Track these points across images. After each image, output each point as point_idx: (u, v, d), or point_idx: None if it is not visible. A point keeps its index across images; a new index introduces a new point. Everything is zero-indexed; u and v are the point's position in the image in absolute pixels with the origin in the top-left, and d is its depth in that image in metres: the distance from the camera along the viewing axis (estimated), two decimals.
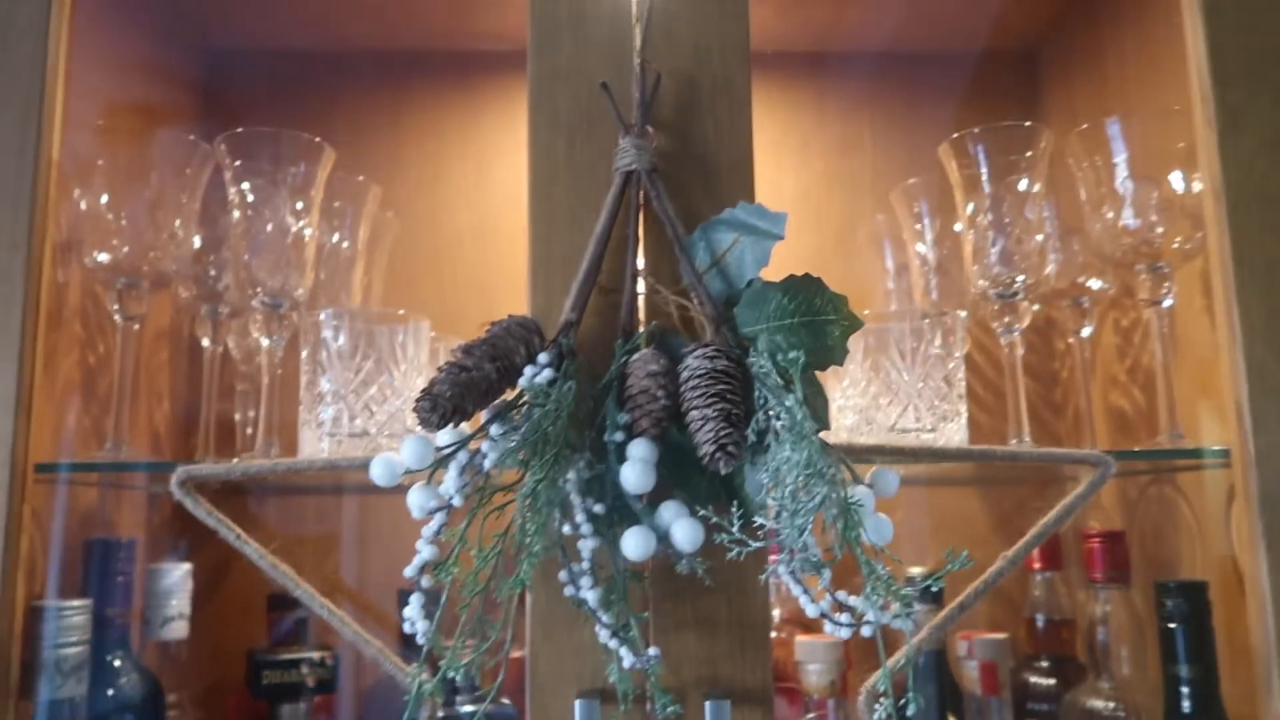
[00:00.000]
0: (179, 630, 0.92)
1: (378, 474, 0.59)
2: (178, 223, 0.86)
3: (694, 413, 0.59)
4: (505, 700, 0.91)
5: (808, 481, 0.55)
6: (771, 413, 0.58)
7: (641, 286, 0.68)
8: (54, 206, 0.73)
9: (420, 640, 0.59)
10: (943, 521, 1.13)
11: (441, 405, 0.59)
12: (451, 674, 0.59)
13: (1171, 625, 0.79)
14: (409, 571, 0.59)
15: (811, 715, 0.90)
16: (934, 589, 0.55)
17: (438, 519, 0.59)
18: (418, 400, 0.59)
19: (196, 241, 0.93)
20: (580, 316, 0.65)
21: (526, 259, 0.69)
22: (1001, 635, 0.91)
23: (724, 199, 0.68)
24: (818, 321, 0.61)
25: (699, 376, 0.59)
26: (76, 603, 0.75)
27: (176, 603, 0.92)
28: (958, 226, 0.96)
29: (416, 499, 0.60)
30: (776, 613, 1.02)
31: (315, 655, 0.87)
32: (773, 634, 1.00)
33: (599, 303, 0.66)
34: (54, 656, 0.73)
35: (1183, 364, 0.89)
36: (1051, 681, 1.01)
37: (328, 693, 0.87)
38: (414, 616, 0.59)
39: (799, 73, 1.21)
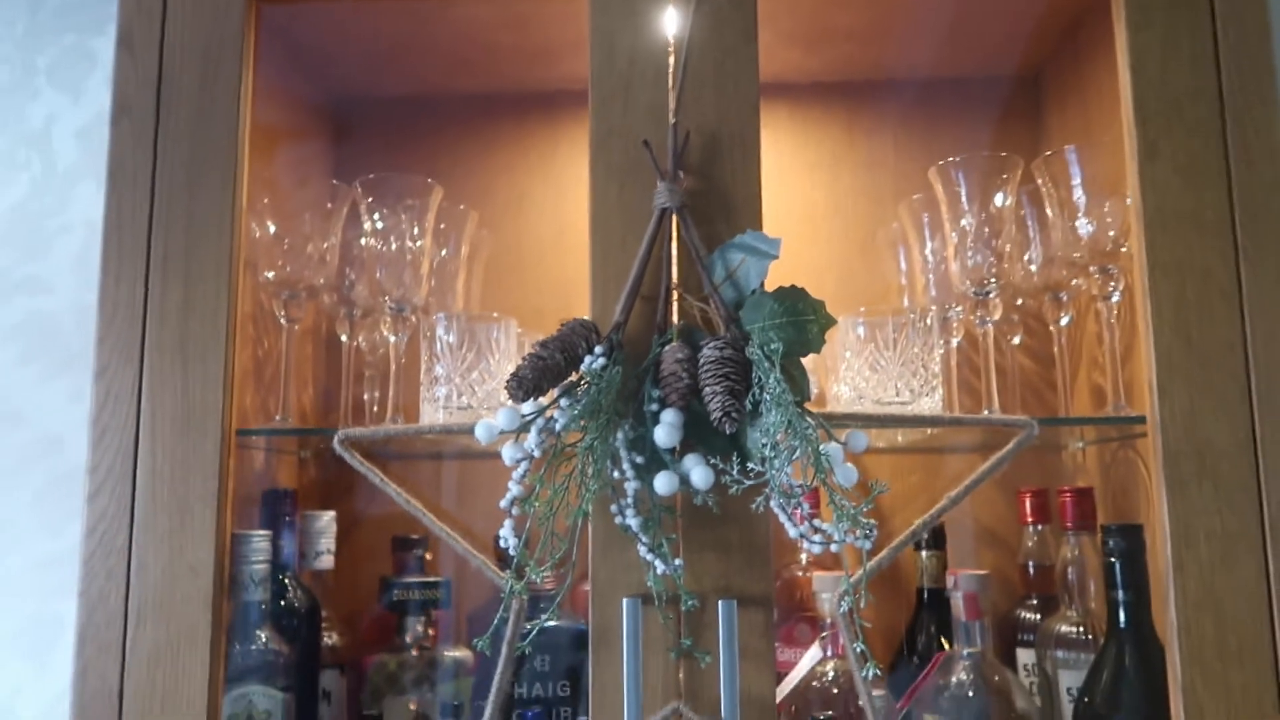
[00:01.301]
0: (327, 563, 1.18)
1: (480, 434, 0.83)
2: (325, 246, 1.11)
3: (706, 389, 0.81)
4: (580, 619, 1.15)
5: (786, 437, 0.77)
6: (765, 385, 0.79)
7: (673, 295, 0.90)
8: (244, 236, 0.98)
9: (511, 553, 0.82)
10: (950, 486, 1.32)
11: (525, 384, 0.82)
12: (534, 576, 0.82)
13: (1112, 560, 0.98)
14: (503, 504, 0.82)
15: (825, 634, 1.11)
16: (923, 536, 0.75)
17: (522, 466, 0.83)
18: (508, 381, 0.82)
19: (337, 260, 1.19)
20: (627, 318, 0.87)
21: (589, 274, 0.91)
22: (982, 571, 1.10)
23: (738, 227, 0.89)
24: (800, 320, 0.82)
25: (711, 362, 0.81)
26: (261, 533, 1.01)
27: (325, 541, 1.18)
28: (954, 237, 1.15)
29: (507, 452, 0.83)
30: (804, 557, 1.23)
31: (432, 579, 1.11)
32: (799, 573, 1.23)
33: (641, 308, 0.89)
34: (248, 571, 0.99)
35: (1138, 347, 1.06)
36: (1038, 616, 1.19)
37: (441, 608, 1.12)
38: (508, 535, 0.82)
39: (831, 100, 1.40)
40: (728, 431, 0.79)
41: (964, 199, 1.05)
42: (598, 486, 0.82)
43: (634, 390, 0.86)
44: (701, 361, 0.82)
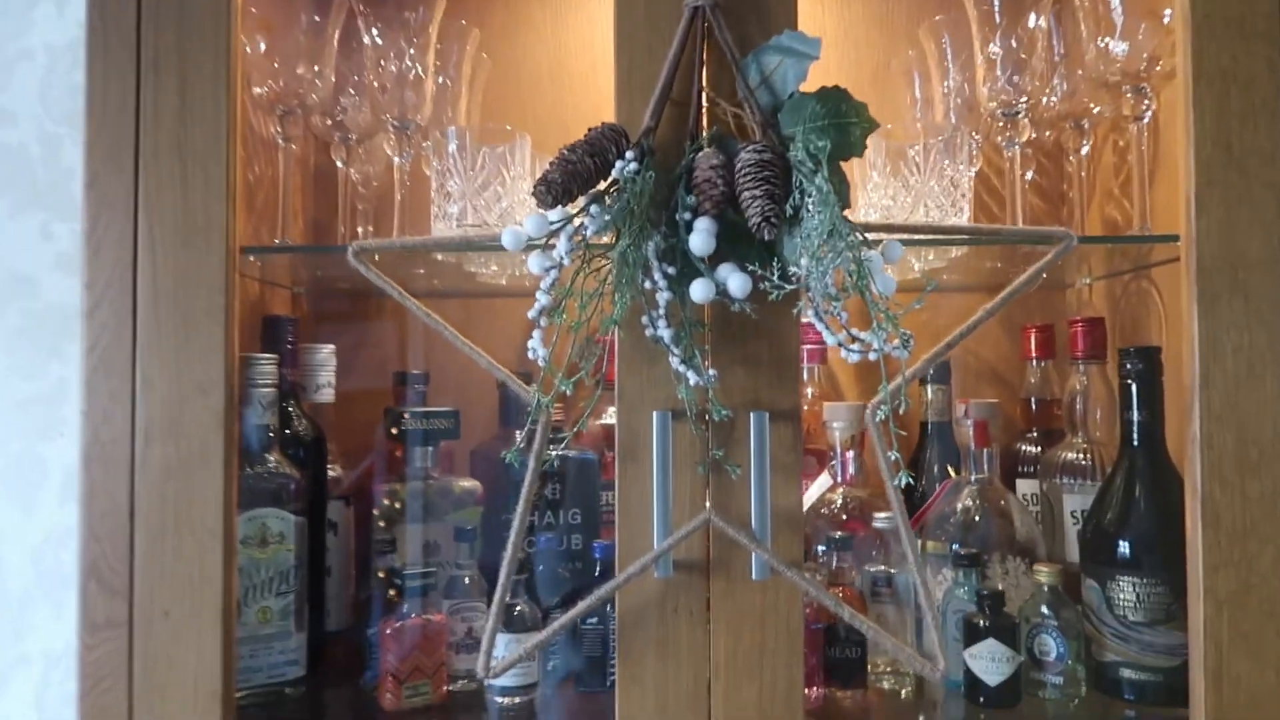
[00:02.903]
0: (327, 396, 1.16)
1: (509, 240, 0.79)
2: (319, 61, 1.05)
3: (745, 193, 0.78)
4: (589, 451, 1.14)
5: (830, 239, 0.74)
6: (805, 191, 0.76)
7: (705, 100, 0.85)
8: (239, 50, 0.91)
9: (540, 364, 0.80)
10: (954, 320, 1.32)
11: (554, 188, 0.78)
12: (564, 389, 0.80)
13: (1129, 382, 0.98)
14: (531, 314, 0.80)
15: (834, 462, 1.12)
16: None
17: (552, 275, 0.80)
18: (536, 184, 0.78)
19: (333, 78, 1.12)
20: (657, 124, 0.83)
21: (614, 79, 0.86)
22: (992, 400, 1.10)
23: (772, 29, 0.85)
24: (843, 123, 0.79)
25: (750, 166, 0.78)
26: (268, 355, 0.98)
27: (325, 374, 1.16)
28: (978, 59, 1.11)
29: (535, 261, 0.80)
30: (809, 391, 1.23)
31: (439, 408, 1.09)
32: (804, 408, 1.22)
33: (671, 113, 0.84)
34: (257, 394, 0.96)
35: (1164, 173, 1.05)
36: (1039, 449, 1.21)
37: (451, 438, 1.10)
38: (535, 345, 0.80)
39: None
40: (767, 237, 0.77)
41: (996, 16, 1.00)
42: (629, 296, 0.79)
43: (665, 198, 0.82)
44: (739, 166, 0.79)
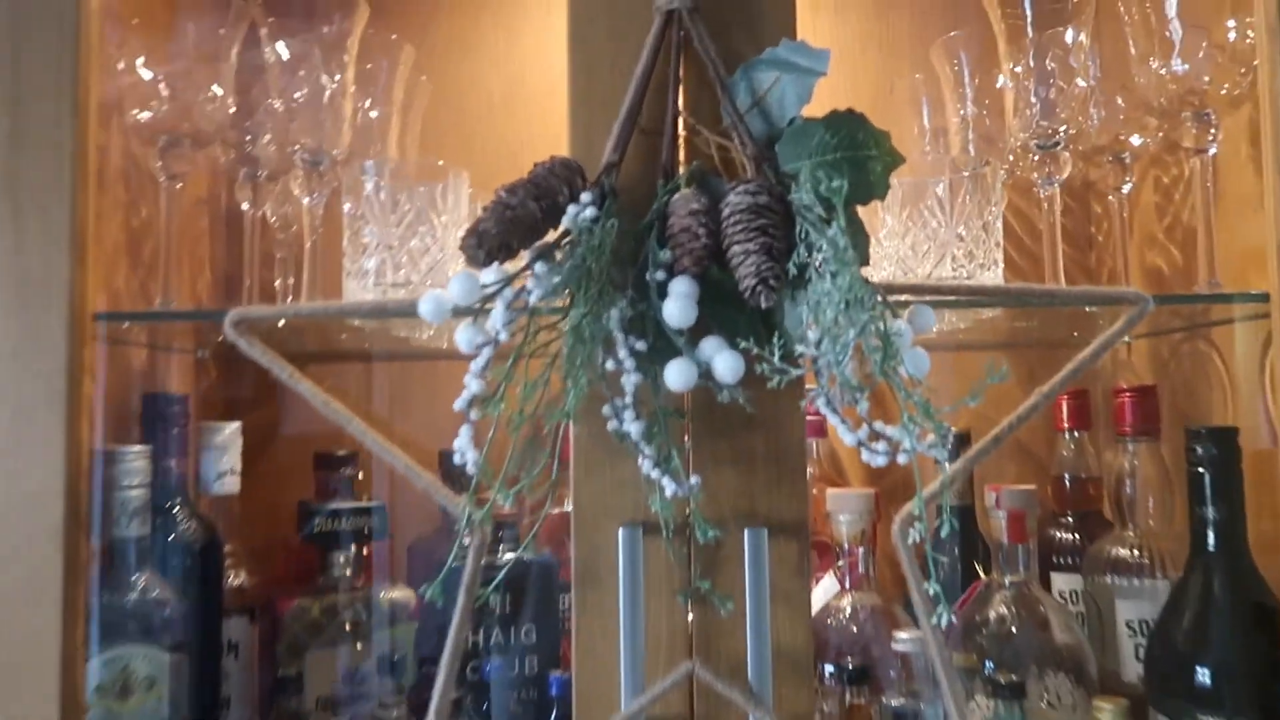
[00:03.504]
0: (231, 485, 0.96)
1: (427, 310, 0.61)
2: (215, 82, 0.86)
3: (736, 248, 0.60)
4: (545, 550, 0.95)
5: (848, 309, 0.56)
6: (813, 244, 0.58)
7: (681, 128, 0.68)
8: (96, 58, 0.73)
9: (470, 469, 0.61)
10: (955, 384, 1.15)
11: (487, 241, 0.60)
12: (501, 500, 0.61)
13: (1200, 470, 0.80)
14: (458, 405, 0.61)
15: (842, 563, 0.93)
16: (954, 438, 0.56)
17: (485, 354, 0.61)
18: (464, 237, 0.60)
19: (233, 105, 0.94)
20: (622, 158, 0.65)
21: (568, 103, 0.68)
22: (1029, 486, 0.92)
23: (765, 39, 0.67)
24: (860, 156, 0.61)
25: (741, 212, 0.60)
26: (137, 447, 0.78)
27: (228, 459, 0.96)
28: (1001, 80, 0.94)
29: (464, 335, 0.61)
30: (809, 470, 1.05)
31: (362, 504, 0.90)
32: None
33: (640, 144, 0.66)
34: (119, 498, 0.76)
35: (1222, 218, 0.88)
36: (1076, 536, 1.03)
37: (374, 540, 0.91)
38: (464, 447, 0.61)
39: None
40: (763, 305, 0.59)
41: (1029, 28, 0.84)
42: (586, 381, 0.61)
43: (632, 253, 0.64)
44: (727, 211, 0.61)
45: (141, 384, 0.94)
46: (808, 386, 0.63)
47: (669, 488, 0.62)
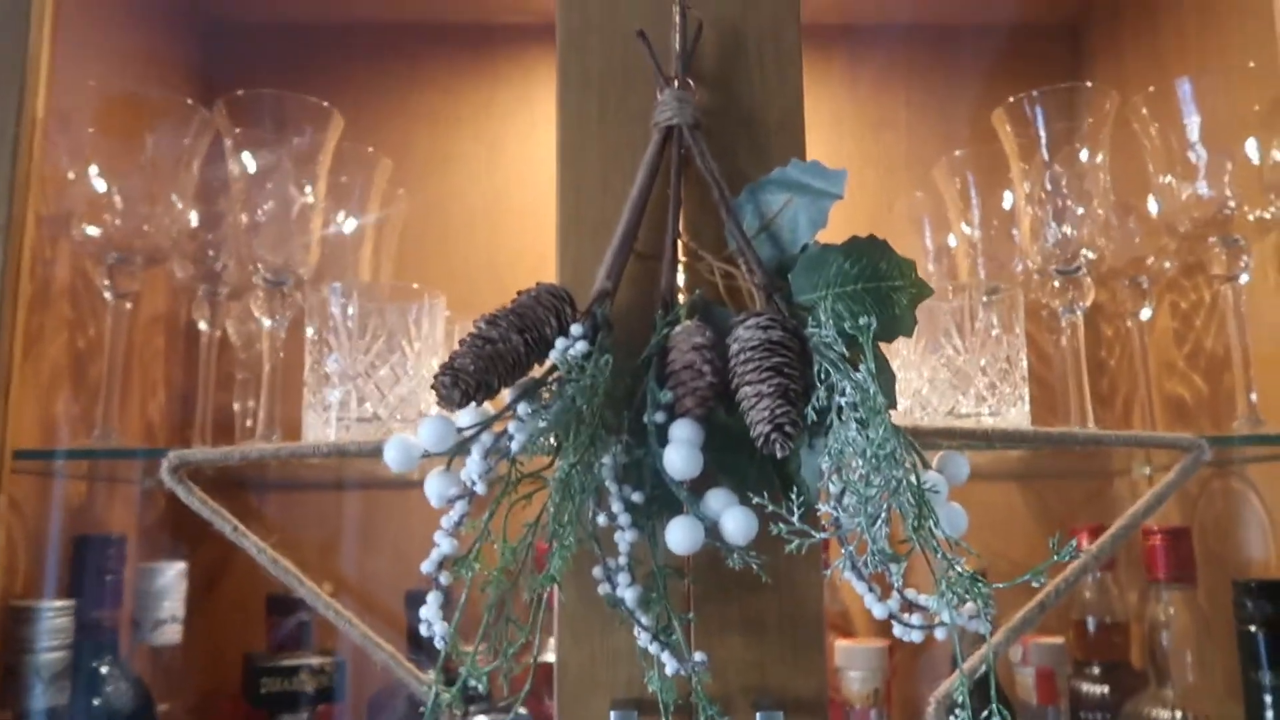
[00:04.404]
0: (172, 634, 0.86)
1: (392, 458, 0.53)
2: (174, 195, 0.80)
3: (746, 389, 0.53)
4: (523, 710, 0.85)
5: (880, 464, 0.49)
6: (834, 387, 0.51)
7: (682, 253, 0.61)
8: (38, 171, 0.66)
9: (438, 644, 0.52)
10: (984, 520, 1.07)
11: (464, 380, 0.52)
12: (473, 682, 0.52)
13: (1252, 628, 0.73)
14: (426, 567, 0.53)
15: None
16: (1035, 583, 0.49)
17: (459, 508, 0.53)
18: (437, 375, 0.53)
19: (195, 218, 0.88)
20: (616, 286, 0.58)
21: (555, 226, 0.62)
22: (1058, 639, 0.84)
23: (772, 159, 0.62)
24: (884, 288, 0.55)
25: (752, 349, 0.53)
26: (59, 604, 0.69)
27: (169, 605, 0.86)
28: (1007, 202, 0.90)
29: (435, 486, 0.53)
30: None
31: (316, 661, 0.80)
32: None
33: (635, 271, 0.60)
34: (33, 662, 0.66)
35: (1251, 346, 0.82)
36: (1104, 689, 0.94)
37: (330, 702, 0.81)
38: (431, 618, 0.52)
39: (831, 46, 1.15)
40: (778, 454, 0.51)
41: (1043, 147, 0.79)
42: (574, 540, 0.52)
43: (628, 392, 0.57)
44: (736, 348, 0.54)
45: (74, 523, 0.85)
46: (841, 564, 0.55)
47: (669, 664, 0.53)
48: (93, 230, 0.78)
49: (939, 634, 0.52)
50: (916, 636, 0.52)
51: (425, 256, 1.04)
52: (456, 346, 0.54)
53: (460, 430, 0.53)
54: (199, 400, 0.89)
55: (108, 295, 0.77)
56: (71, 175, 0.77)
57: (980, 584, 0.50)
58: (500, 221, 1.09)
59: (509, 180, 1.10)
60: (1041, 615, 0.58)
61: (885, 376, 0.55)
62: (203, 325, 0.89)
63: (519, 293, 0.57)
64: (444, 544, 0.53)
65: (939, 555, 0.51)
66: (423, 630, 0.53)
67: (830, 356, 0.52)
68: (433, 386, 0.53)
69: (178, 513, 1.00)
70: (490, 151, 1.11)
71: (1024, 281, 0.87)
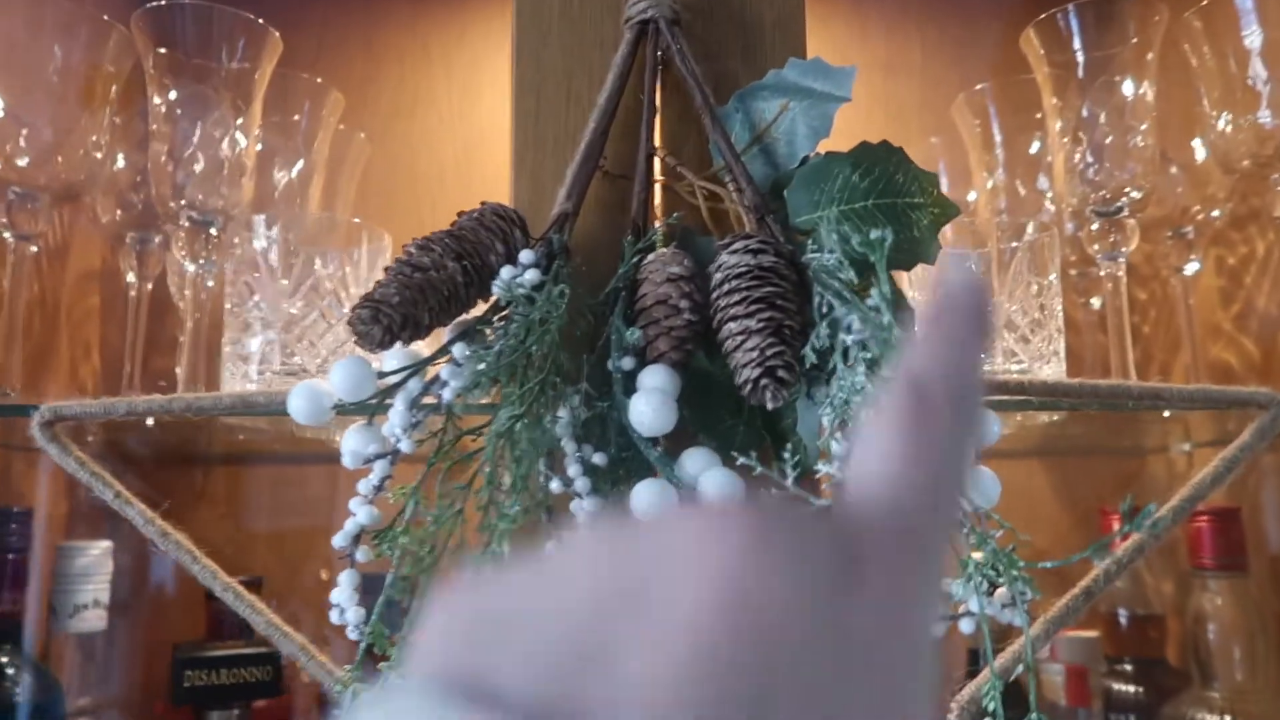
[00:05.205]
0: (95, 621, 0.77)
1: (297, 408, 0.43)
2: (87, 126, 0.70)
3: (731, 324, 0.43)
4: None
5: None
6: (839, 323, 0.42)
7: (658, 171, 0.52)
8: None
9: (352, 634, 0.43)
10: (1002, 502, 0.98)
11: (386, 314, 0.43)
12: (395, 679, 0.43)
13: None
14: (338, 540, 0.43)
15: None
16: (1096, 560, 0.39)
17: (379, 469, 0.43)
18: (354, 308, 0.43)
19: (120, 159, 0.78)
20: (578, 207, 0.49)
21: (510, 139, 0.52)
22: (1092, 633, 0.75)
23: (766, 64, 0.52)
24: (900, 205, 0.45)
25: (738, 276, 0.43)
26: None
27: (92, 588, 0.77)
28: (1035, 143, 0.80)
29: (351, 442, 0.44)
30: None
31: (250, 651, 0.71)
32: None
33: (603, 191, 0.50)
34: None
35: None
36: (1138, 689, 0.85)
37: (270, 696, 0.71)
38: (343, 601, 0.43)
39: None
40: (769, 404, 0.41)
41: (1080, 70, 0.69)
42: (521, 509, 0.43)
43: (590, 334, 0.47)
44: (719, 277, 0.44)
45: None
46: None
47: None
48: None
49: (964, 625, 0.42)
50: (937, 630, 0.42)
51: (389, 209, 0.95)
52: (386, 269, 0.45)
53: (381, 376, 0.44)
54: (125, 360, 0.79)
55: (7, 236, 0.68)
56: None
57: (1018, 565, 0.40)
58: (473, 170, 0.99)
59: (483, 127, 1.00)
60: (1087, 605, 0.48)
61: (903, 312, 0.45)
62: (130, 277, 0.80)
63: (459, 213, 0.47)
64: (360, 513, 0.43)
65: (965, 530, 0.42)
66: (333, 616, 0.43)
67: (833, 285, 0.42)
68: (348, 321, 0.43)
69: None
70: (463, 95, 1.01)
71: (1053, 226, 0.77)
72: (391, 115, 0.99)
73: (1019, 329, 0.60)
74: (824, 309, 0.43)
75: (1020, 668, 0.45)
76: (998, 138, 0.80)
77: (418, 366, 0.44)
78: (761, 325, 0.42)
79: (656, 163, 0.51)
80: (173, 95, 0.69)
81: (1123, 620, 0.87)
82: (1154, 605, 0.87)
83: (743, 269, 0.43)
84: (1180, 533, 0.86)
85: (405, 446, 0.43)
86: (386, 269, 0.45)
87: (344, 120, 0.82)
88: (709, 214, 0.50)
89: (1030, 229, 0.65)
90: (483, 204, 0.48)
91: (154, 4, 0.68)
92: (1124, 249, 0.67)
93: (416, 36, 1.02)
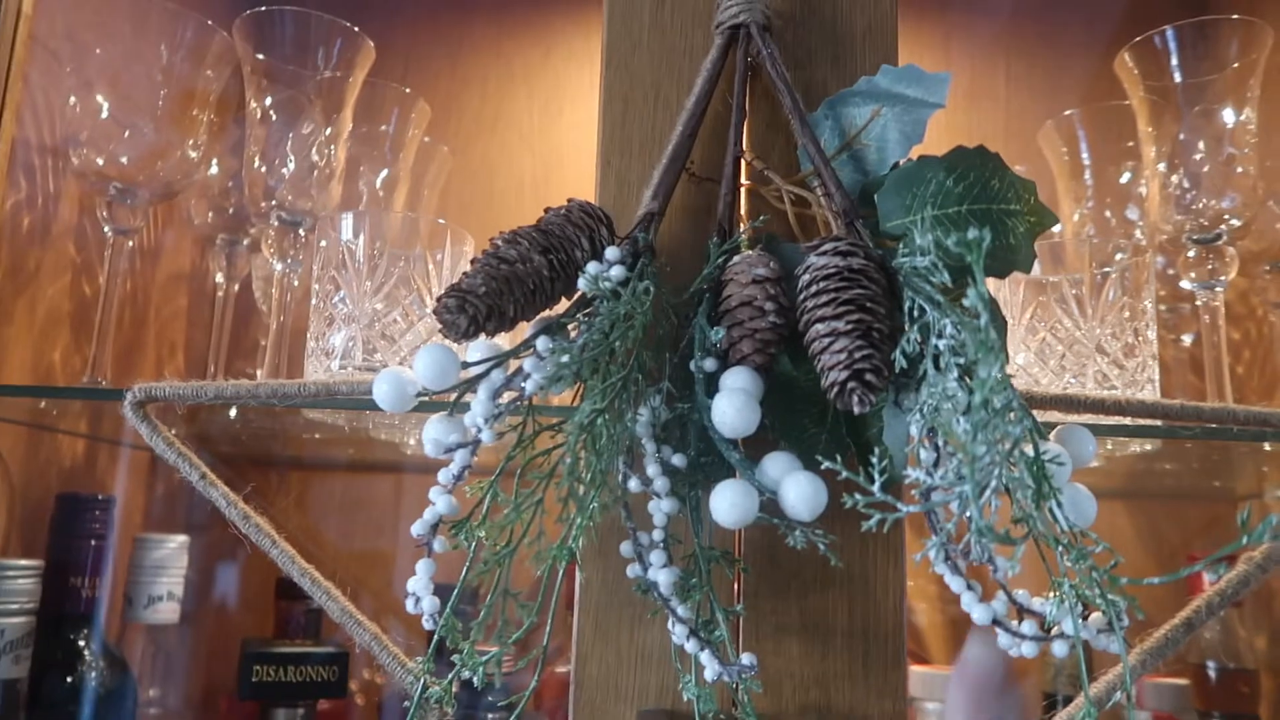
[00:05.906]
0: (168, 613, 0.78)
1: (383, 394, 0.44)
2: (186, 128, 0.72)
3: (819, 325, 0.42)
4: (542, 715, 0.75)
5: (990, 421, 0.38)
6: (931, 328, 0.41)
7: (745, 176, 0.51)
8: (15, 86, 0.59)
9: (427, 624, 0.43)
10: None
11: (471, 304, 0.43)
12: (467, 674, 0.43)
13: None
14: (416, 529, 0.43)
15: None
16: (1210, 575, 0.37)
17: (460, 459, 0.43)
18: (440, 297, 0.43)
19: (215, 164, 0.81)
20: (664, 208, 0.49)
21: (597, 140, 0.53)
22: (1182, 680, 0.71)
23: (857, 73, 0.52)
24: (995, 211, 0.44)
25: (826, 277, 0.43)
26: (22, 562, 0.61)
27: (166, 581, 0.78)
28: (1126, 173, 0.78)
29: (434, 432, 0.44)
30: None
31: (318, 650, 0.71)
32: None
33: (689, 194, 0.50)
34: None
35: None
36: None
37: (335, 696, 0.71)
38: (420, 590, 0.43)
39: (924, 11, 1.04)
40: (855, 409, 0.40)
41: (1179, 94, 0.68)
42: (599, 505, 0.42)
43: (673, 334, 0.47)
44: (807, 278, 0.43)
45: (73, 483, 0.77)
46: (931, 549, 0.44)
47: (710, 667, 0.43)
48: (97, 159, 0.70)
49: (1057, 648, 0.40)
50: (1029, 650, 0.41)
51: (465, 223, 0.95)
52: (472, 261, 0.45)
53: (465, 366, 0.44)
54: (210, 360, 0.81)
55: (107, 231, 0.70)
56: (72, 100, 0.70)
57: (1118, 583, 0.38)
58: (551, 188, 1.00)
59: (563, 145, 1.01)
60: (1188, 637, 0.46)
61: (996, 321, 0.44)
62: (219, 277, 0.82)
63: (546, 209, 0.48)
64: (440, 501, 0.43)
65: (1059, 547, 0.40)
66: (409, 605, 0.43)
67: (926, 289, 0.42)
68: (434, 310, 0.43)
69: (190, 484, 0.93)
70: (544, 114, 1.02)
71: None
72: (474, 132, 1.01)
73: (1111, 354, 0.58)
74: (915, 314, 0.42)
75: (1115, 697, 0.43)
76: (1087, 164, 0.78)
77: (502, 358, 0.44)
78: (850, 327, 0.41)
79: (743, 167, 0.51)
80: (268, 100, 0.71)
81: (1212, 673, 0.83)
82: (1245, 659, 0.83)
83: (831, 270, 0.43)
84: (1275, 586, 0.83)
85: (486, 437, 0.43)
86: (473, 260, 0.45)
87: (428, 134, 0.84)
88: (795, 219, 0.50)
89: (1122, 255, 0.63)
90: (570, 201, 0.48)
91: (255, 10, 0.70)
92: (1223, 277, 0.65)
93: (501, 56, 1.04)
